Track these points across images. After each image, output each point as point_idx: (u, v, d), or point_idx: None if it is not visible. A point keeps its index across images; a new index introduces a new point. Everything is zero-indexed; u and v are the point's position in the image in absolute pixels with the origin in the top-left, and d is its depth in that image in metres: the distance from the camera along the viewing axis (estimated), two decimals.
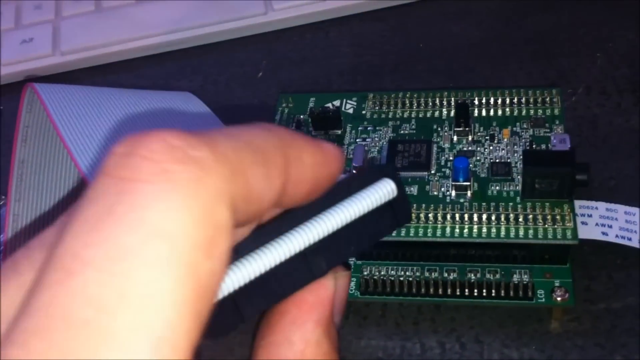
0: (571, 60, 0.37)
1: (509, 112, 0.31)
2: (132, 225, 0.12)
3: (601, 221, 0.28)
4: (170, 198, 0.12)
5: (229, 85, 0.39)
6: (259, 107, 0.37)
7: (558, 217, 0.27)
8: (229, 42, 0.41)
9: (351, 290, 0.28)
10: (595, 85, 0.35)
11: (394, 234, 0.27)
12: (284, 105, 0.33)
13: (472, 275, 0.28)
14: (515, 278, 0.27)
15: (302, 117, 0.32)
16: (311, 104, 0.33)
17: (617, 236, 0.28)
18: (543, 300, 0.27)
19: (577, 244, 0.26)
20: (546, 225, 0.26)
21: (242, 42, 0.41)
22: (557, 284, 0.27)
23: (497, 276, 0.27)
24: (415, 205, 0.28)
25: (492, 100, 0.31)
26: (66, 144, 0.21)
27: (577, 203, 0.29)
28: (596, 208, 0.29)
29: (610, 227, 0.28)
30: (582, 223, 0.28)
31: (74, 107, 0.23)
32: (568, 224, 0.26)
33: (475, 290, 0.27)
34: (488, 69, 0.37)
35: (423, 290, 0.28)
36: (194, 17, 0.41)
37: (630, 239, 0.28)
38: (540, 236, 0.26)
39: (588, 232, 0.28)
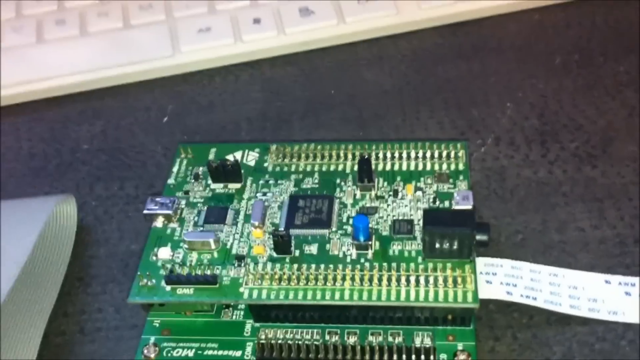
0: (481, 110, 0.36)
1: (413, 167, 0.30)
2: None
3: (506, 280, 0.28)
4: None
5: (132, 130, 0.37)
6: (161, 154, 0.36)
7: (459, 278, 0.26)
8: (134, 85, 0.40)
9: (247, 355, 0.27)
10: (505, 136, 0.35)
11: (290, 296, 0.26)
12: (182, 155, 0.32)
13: (374, 338, 0.27)
14: (417, 341, 0.26)
15: (201, 169, 0.31)
16: (212, 155, 0.31)
17: (521, 295, 0.27)
18: None
19: (477, 308, 0.25)
20: (447, 287, 0.26)
21: (148, 85, 0.40)
22: (460, 348, 0.26)
23: (399, 339, 0.26)
24: (314, 265, 0.27)
25: (397, 154, 0.30)
26: None
27: (482, 260, 0.28)
28: (501, 266, 0.28)
29: (515, 285, 0.28)
30: (487, 282, 0.28)
31: None
32: (469, 286, 0.26)
33: (376, 355, 0.26)
34: (399, 117, 0.37)
35: (322, 354, 0.26)
36: (98, 59, 0.39)
37: (535, 299, 0.27)
38: (441, 299, 0.25)
39: (492, 291, 0.27)
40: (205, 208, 0.29)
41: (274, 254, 0.27)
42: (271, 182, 0.30)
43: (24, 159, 0.37)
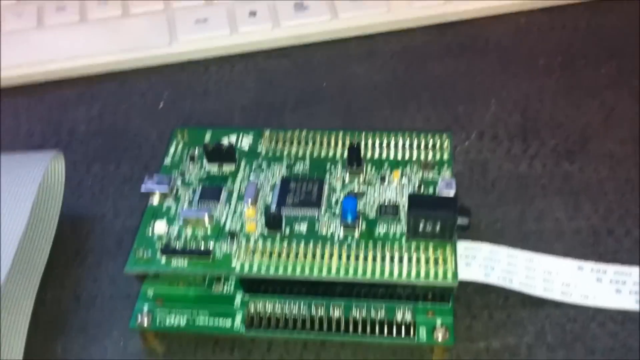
0: (467, 106, 0.38)
1: (400, 155, 0.31)
2: None
3: (484, 262, 0.29)
4: None
5: (128, 114, 0.39)
6: (156, 138, 0.37)
7: (440, 258, 0.27)
8: (131, 72, 0.41)
9: (236, 325, 0.28)
10: (488, 131, 0.36)
11: (280, 270, 0.27)
12: (178, 138, 0.33)
13: (357, 312, 0.28)
14: (399, 316, 0.28)
15: (196, 150, 0.32)
16: (207, 139, 0.33)
17: (499, 277, 0.29)
18: (424, 339, 0.27)
19: (456, 286, 0.27)
20: (428, 266, 0.27)
21: (145, 72, 0.41)
22: (438, 323, 0.28)
23: (381, 313, 0.28)
24: (303, 242, 0.28)
25: (385, 143, 0.32)
26: None
27: (463, 244, 0.29)
28: (480, 250, 0.30)
29: (493, 268, 0.29)
30: (466, 264, 0.29)
31: None
32: (449, 266, 0.27)
33: (360, 328, 0.27)
34: (387, 111, 0.38)
35: (308, 326, 0.28)
36: (97, 45, 0.41)
37: (511, 281, 0.29)
38: (422, 277, 0.27)
39: (471, 273, 0.29)
40: (200, 187, 0.31)
41: (266, 232, 0.29)
42: (264, 165, 0.31)
43: (22, 139, 0.38)
